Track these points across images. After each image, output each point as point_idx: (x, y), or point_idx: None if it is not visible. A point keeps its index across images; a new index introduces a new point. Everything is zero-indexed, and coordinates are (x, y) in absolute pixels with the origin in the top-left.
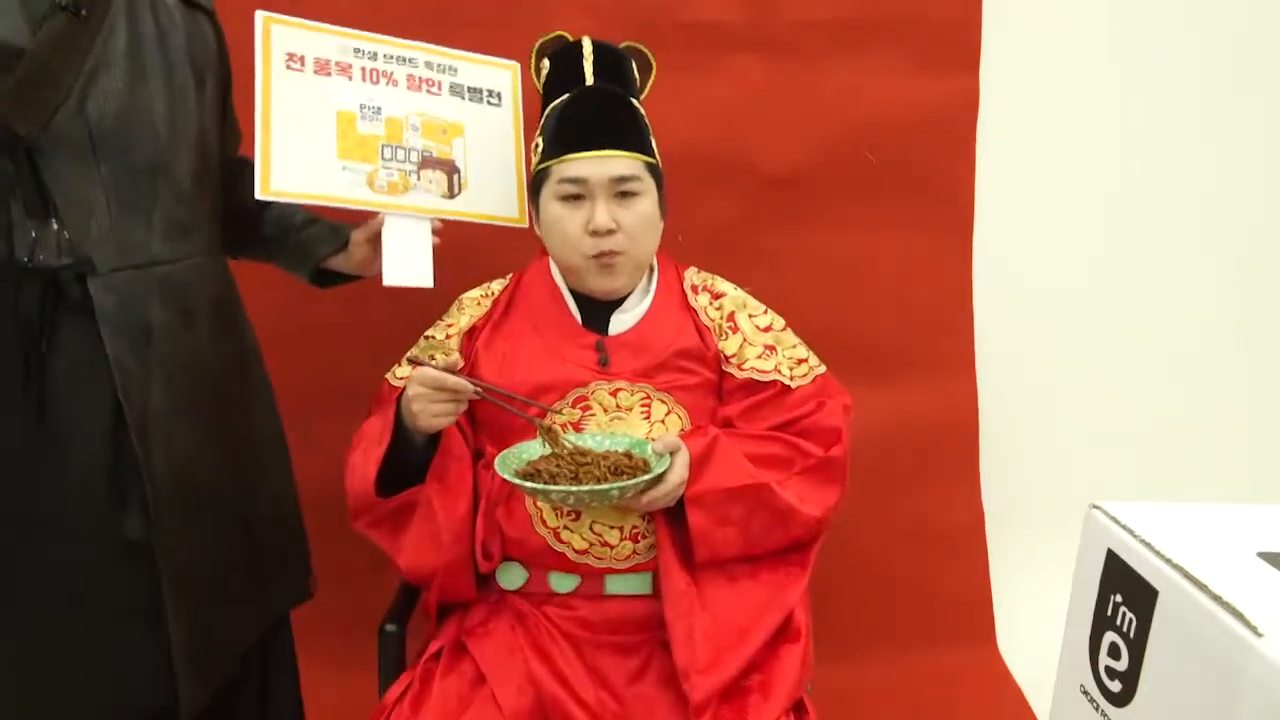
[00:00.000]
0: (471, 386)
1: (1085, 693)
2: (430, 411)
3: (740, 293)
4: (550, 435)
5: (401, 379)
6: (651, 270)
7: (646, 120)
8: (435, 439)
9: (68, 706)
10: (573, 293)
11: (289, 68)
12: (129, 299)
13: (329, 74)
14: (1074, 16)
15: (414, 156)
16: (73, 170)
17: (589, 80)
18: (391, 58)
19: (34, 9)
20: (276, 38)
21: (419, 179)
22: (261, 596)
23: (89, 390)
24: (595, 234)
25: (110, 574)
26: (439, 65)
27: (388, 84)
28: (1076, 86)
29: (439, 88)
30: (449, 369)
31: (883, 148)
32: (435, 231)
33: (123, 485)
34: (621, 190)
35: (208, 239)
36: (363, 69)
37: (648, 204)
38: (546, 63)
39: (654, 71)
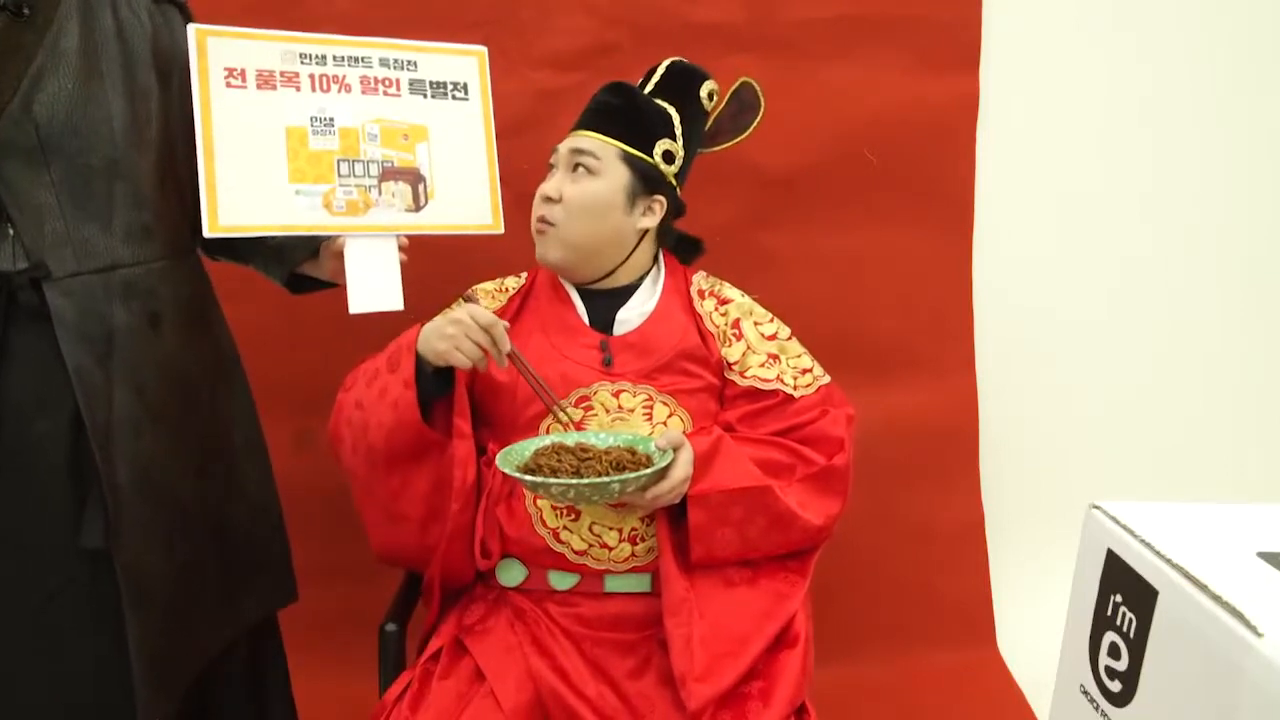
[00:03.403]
0: (510, 346)
1: (1085, 693)
2: (459, 345)
3: (747, 300)
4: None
5: None
6: (659, 271)
7: (670, 124)
8: (444, 383)
9: (32, 717)
10: (579, 291)
11: (229, 85)
12: (88, 304)
13: (274, 87)
14: (1074, 16)
15: (373, 170)
16: (22, 173)
17: (648, 88)
18: (342, 59)
19: None
20: (214, 53)
21: (380, 194)
22: (232, 606)
23: (48, 399)
24: (541, 200)
25: (72, 583)
26: (395, 61)
27: (340, 90)
28: (1077, 86)
29: (397, 87)
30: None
31: (883, 148)
32: (402, 248)
33: (83, 493)
34: (577, 164)
35: (173, 240)
36: (311, 76)
37: (597, 186)
38: None
39: (762, 108)
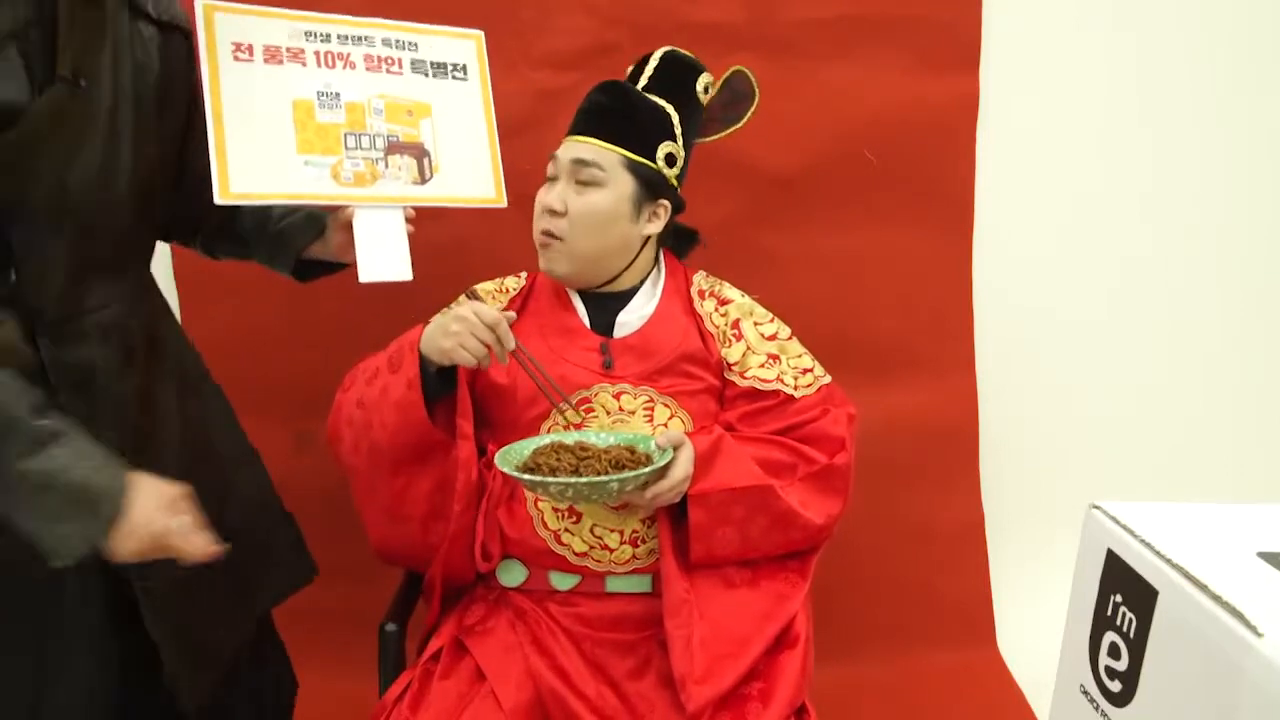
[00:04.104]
0: (514, 342)
1: (1085, 693)
2: (464, 342)
3: (748, 300)
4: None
5: None
6: (659, 272)
7: (670, 125)
8: (447, 382)
9: None
10: (580, 294)
11: (237, 59)
12: (74, 347)
13: (281, 62)
14: (1074, 16)
15: (379, 143)
16: (41, 231)
17: (641, 81)
18: (346, 38)
19: (36, 75)
20: (221, 27)
21: (387, 166)
22: (246, 592)
23: None
24: (544, 212)
25: (86, 591)
26: (397, 42)
27: (345, 67)
28: (1077, 86)
29: (400, 66)
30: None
31: (883, 148)
32: (409, 220)
33: None
34: (580, 177)
35: (141, 267)
36: (316, 53)
37: (602, 197)
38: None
39: (756, 97)
